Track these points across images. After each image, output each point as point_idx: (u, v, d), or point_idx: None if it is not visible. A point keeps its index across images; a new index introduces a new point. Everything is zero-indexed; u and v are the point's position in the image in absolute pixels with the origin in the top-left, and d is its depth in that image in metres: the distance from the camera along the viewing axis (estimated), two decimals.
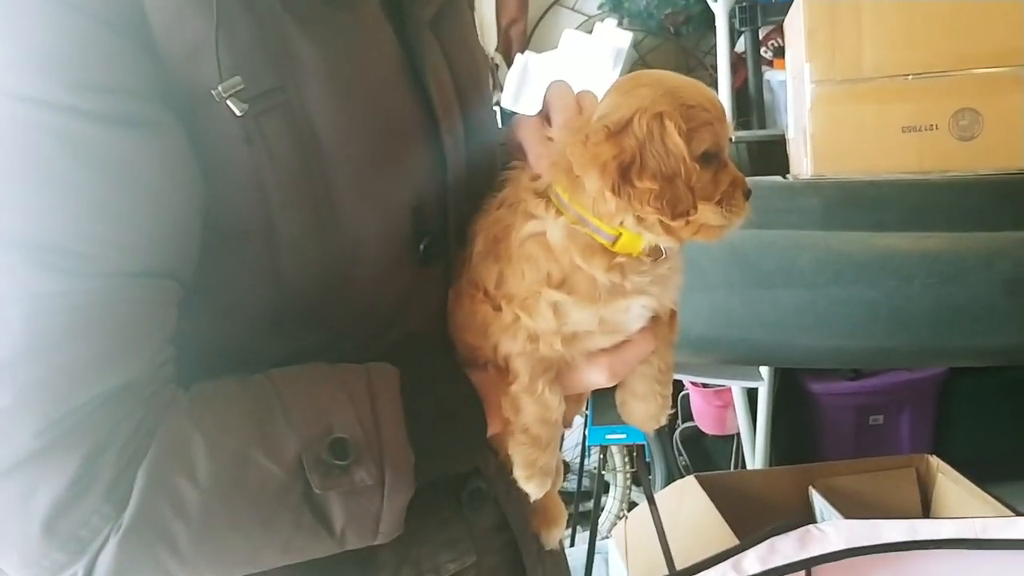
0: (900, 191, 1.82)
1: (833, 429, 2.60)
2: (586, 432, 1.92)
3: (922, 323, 1.71)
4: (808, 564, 1.52)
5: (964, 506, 1.95)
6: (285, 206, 0.66)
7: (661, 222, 0.69)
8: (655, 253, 0.74)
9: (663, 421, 0.84)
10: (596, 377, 0.77)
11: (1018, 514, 1.59)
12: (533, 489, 0.76)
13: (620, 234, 0.71)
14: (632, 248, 0.72)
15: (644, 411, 0.83)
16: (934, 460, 2.12)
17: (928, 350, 1.81)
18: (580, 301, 0.71)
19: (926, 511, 2.08)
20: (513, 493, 0.82)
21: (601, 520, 2.79)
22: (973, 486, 1.98)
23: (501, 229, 0.73)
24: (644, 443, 2.09)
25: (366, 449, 0.65)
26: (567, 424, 0.82)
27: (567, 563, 0.89)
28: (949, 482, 2.06)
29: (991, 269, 1.66)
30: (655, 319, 0.78)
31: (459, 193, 0.77)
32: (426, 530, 0.76)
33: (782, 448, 2.52)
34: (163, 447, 0.62)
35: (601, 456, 2.26)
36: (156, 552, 0.61)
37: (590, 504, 2.17)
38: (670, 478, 2.51)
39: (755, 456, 2.52)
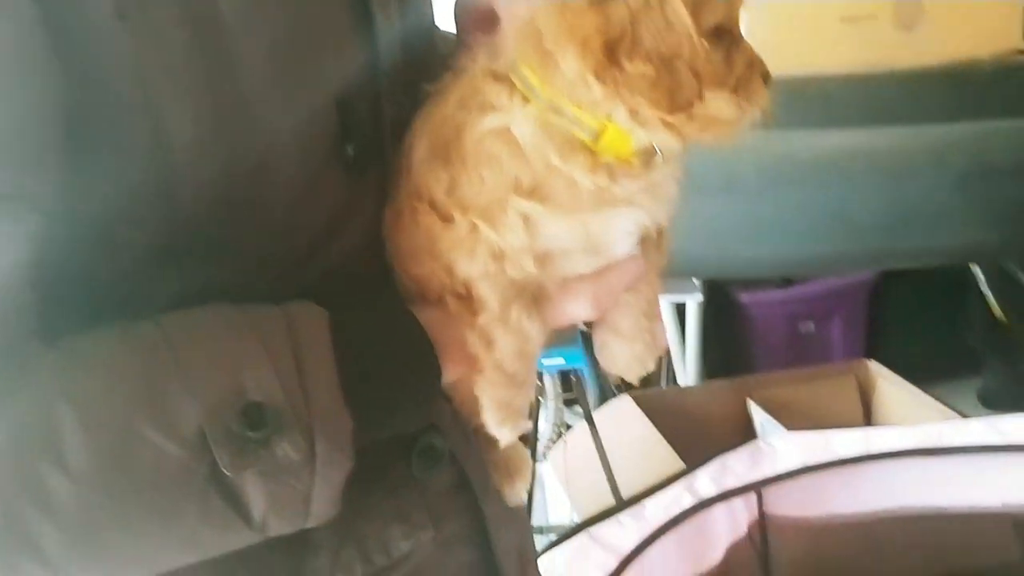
0: (843, 87, 1.73)
1: (764, 339, 2.56)
2: None
3: (871, 226, 1.64)
4: (761, 485, 1.46)
5: (906, 410, 1.92)
6: (176, 100, 0.50)
7: (658, 115, 0.55)
8: (647, 155, 0.60)
9: (651, 366, 0.70)
10: (576, 308, 0.63)
11: (963, 416, 1.55)
12: (506, 434, 0.63)
13: (605, 128, 0.57)
14: (619, 148, 0.58)
15: (629, 353, 0.69)
16: (873, 365, 2.09)
17: (878, 253, 1.76)
18: (557, 210, 0.57)
19: (867, 418, 2.06)
20: (473, 446, 0.69)
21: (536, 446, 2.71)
22: (914, 389, 1.95)
23: (451, 128, 0.59)
24: (583, 367, 2.01)
25: (289, 415, 0.51)
26: None
27: (529, 519, 0.76)
28: (889, 386, 2.03)
29: (943, 165, 1.59)
30: (643, 239, 0.64)
31: (396, 84, 0.62)
32: (371, 502, 0.62)
33: (713, 362, 2.47)
34: (20, 425, 0.47)
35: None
36: (17, 565, 0.46)
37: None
38: (603, 398, 2.43)
39: (687, 371, 2.46)
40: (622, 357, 0.69)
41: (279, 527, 0.53)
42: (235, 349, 0.51)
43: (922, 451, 1.45)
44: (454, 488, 0.67)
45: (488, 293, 0.59)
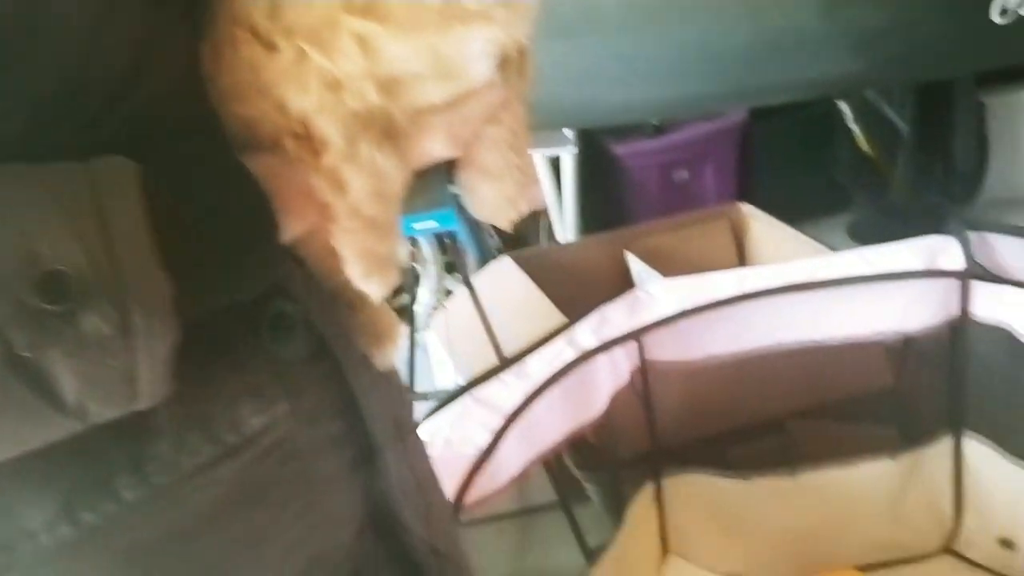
0: None
1: (639, 190, 2.56)
2: None
3: (735, 59, 1.61)
4: (641, 333, 1.46)
5: (779, 249, 1.95)
6: None
7: None
8: None
9: (523, 207, 0.64)
10: (432, 144, 0.56)
11: (834, 250, 1.57)
12: (376, 287, 0.56)
13: None
14: None
15: (498, 194, 0.62)
16: (745, 208, 2.11)
17: (744, 89, 1.73)
18: (398, 30, 0.49)
19: (741, 259, 2.09)
20: (332, 311, 0.62)
21: (418, 314, 2.67)
22: (786, 227, 1.98)
23: None
24: (456, 228, 1.96)
25: (96, 284, 0.43)
26: None
27: (401, 382, 0.71)
28: (762, 227, 2.05)
29: None
30: (503, 61, 0.56)
31: None
32: (216, 379, 0.55)
33: (591, 217, 2.45)
34: None
35: (411, 246, 2.10)
36: None
37: (403, 300, 2.02)
38: (483, 261, 2.39)
39: (565, 228, 2.44)
40: (491, 199, 0.63)
41: (101, 412, 0.46)
42: (26, 210, 0.43)
43: (795, 287, 1.47)
44: (312, 358, 0.61)
45: (329, 128, 0.51)
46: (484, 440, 1.25)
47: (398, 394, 0.70)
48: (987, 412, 1.57)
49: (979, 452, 1.59)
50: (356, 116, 0.51)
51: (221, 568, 0.57)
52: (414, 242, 2.21)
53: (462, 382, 1.34)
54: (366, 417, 0.63)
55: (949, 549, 1.67)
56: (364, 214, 0.54)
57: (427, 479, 0.70)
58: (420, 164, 0.57)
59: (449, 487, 1.19)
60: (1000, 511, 1.59)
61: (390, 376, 0.69)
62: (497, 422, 1.27)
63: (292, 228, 0.54)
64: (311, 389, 0.60)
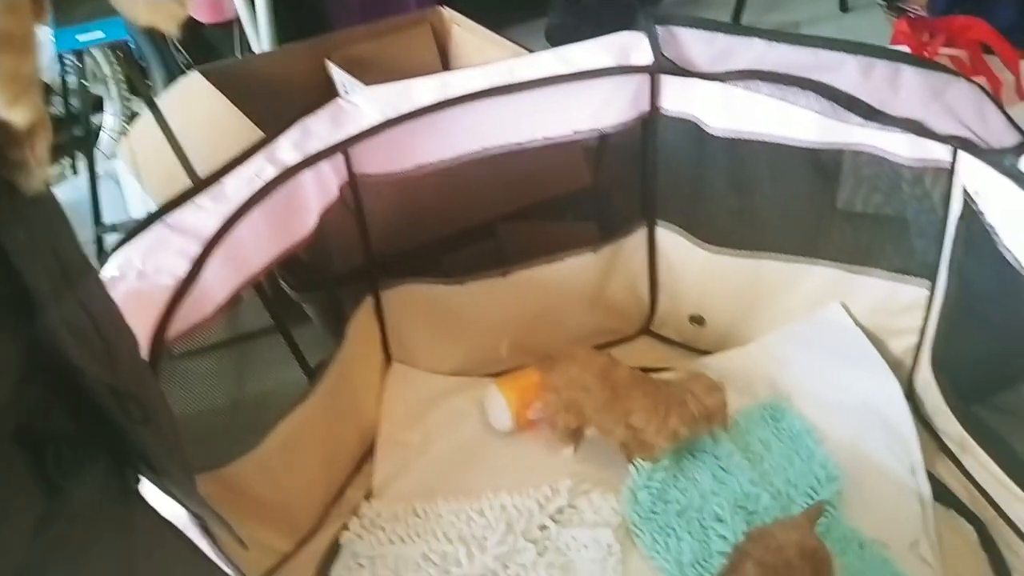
0: None
1: None
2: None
3: None
4: (345, 145, 1.41)
5: (481, 53, 1.94)
6: None
7: None
8: None
9: (182, 10, 0.56)
10: None
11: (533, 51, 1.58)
12: (22, 113, 0.49)
13: None
14: None
15: None
16: (447, 12, 2.07)
17: None
18: None
19: (446, 65, 2.06)
20: None
21: (103, 141, 2.44)
22: (488, 32, 1.97)
23: None
24: (127, 39, 1.77)
25: None
26: None
27: (58, 204, 0.63)
28: (463, 32, 2.03)
29: None
30: None
31: None
32: None
33: (287, 26, 2.31)
34: None
35: (80, 64, 1.88)
36: None
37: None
38: (170, 78, 2.20)
39: (260, 38, 2.28)
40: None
41: None
42: None
43: (496, 90, 1.47)
44: None
45: None
46: (183, 269, 1.18)
47: (57, 224, 0.63)
48: (676, 202, 1.69)
49: (670, 239, 1.72)
50: None
51: None
52: (83, 57, 1.98)
53: (153, 209, 1.25)
54: (22, 269, 0.56)
55: (647, 330, 1.82)
56: None
57: (106, 318, 0.65)
58: None
59: (148, 320, 1.13)
60: (688, 292, 1.75)
61: (45, 203, 0.61)
62: (196, 249, 1.20)
63: None
64: None
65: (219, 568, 0.77)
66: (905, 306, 1.54)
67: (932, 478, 1.44)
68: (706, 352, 1.75)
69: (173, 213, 1.23)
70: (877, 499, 1.43)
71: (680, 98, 1.56)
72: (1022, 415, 1.38)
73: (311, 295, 1.69)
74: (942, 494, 1.44)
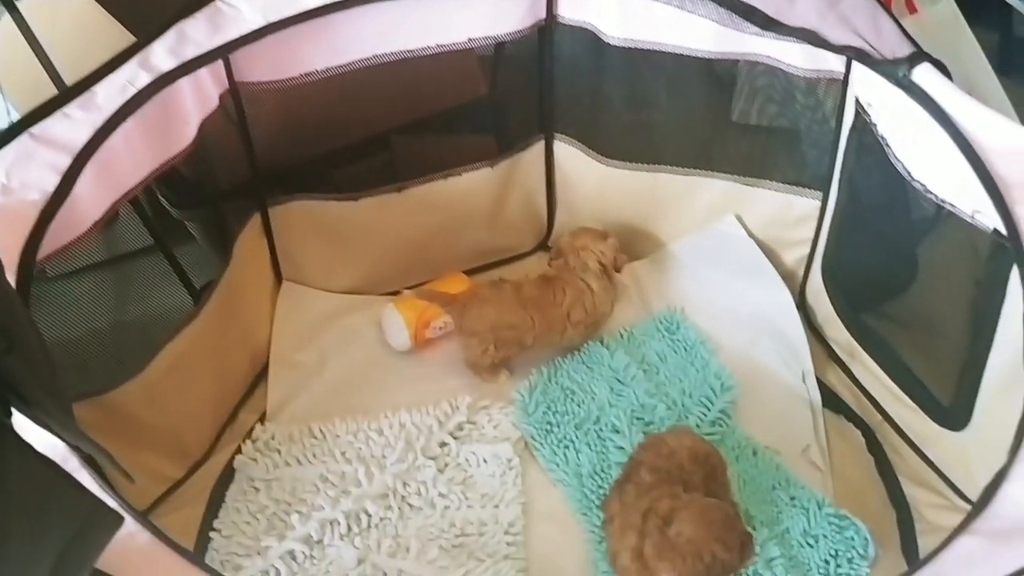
0: None
1: None
2: None
3: None
4: (226, 51, 1.34)
5: None
6: None
7: None
8: None
9: None
10: None
11: None
12: None
13: None
14: None
15: None
16: None
17: None
18: None
19: None
20: None
21: None
22: None
23: None
24: None
25: None
26: None
27: None
28: None
29: None
30: None
31: None
32: None
33: None
34: None
35: None
36: None
37: None
38: None
39: None
40: None
41: None
42: None
43: None
44: None
45: None
46: (52, 183, 1.11)
47: None
48: (573, 114, 1.67)
49: (567, 153, 1.70)
50: None
51: None
52: None
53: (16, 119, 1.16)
54: None
55: (544, 245, 1.82)
56: None
57: None
58: None
59: (15, 239, 1.06)
60: (586, 206, 1.74)
61: None
62: (65, 161, 1.13)
63: None
64: None
65: (101, 502, 0.73)
66: (798, 218, 1.57)
67: (822, 385, 1.49)
68: None
69: (39, 124, 1.15)
70: (769, 407, 1.47)
71: (577, 5, 1.52)
72: (908, 324, 1.43)
73: (194, 212, 1.62)
74: (831, 400, 1.49)
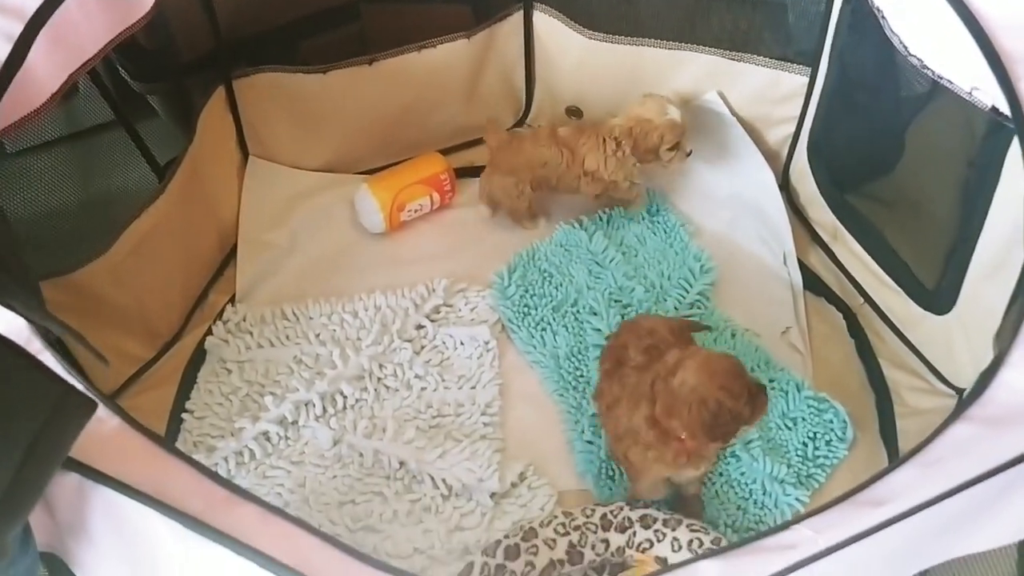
0: None
1: None
2: None
3: None
4: None
5: None
6: None
7: None
8: None
9: None
10: None
11: None
12: None
13: None
14: None
15: None
16: None
17: None
18: None
19: None
20: None
21: None
22: None
23: None
24: None
25: None
26: None
27: None
28: None
29: None
30: None
31: None
32: None
33: None
34: None
35: None
36: None
37: None
38: None
39: None
40: None
41: None
42: None
43: None
44: None
45: None
46: (3, 51, 1.06)
47: None
48: None
49: (547, 24, 1.66)
50: None
51: None
52: None
53: None
54: None
55: (523, 123, 1.79)
56: None
57: None
58: None
59: None
60: (566, 82, 1.71)
61: None
62: (16, 28, 1.08)
63: None
64: None
65: (72, 387, 0.72)
66: (784, 95, 1.55)
67: (803, 267, 1.51)
68: None
69: None
70: (749, 289, 1.49)
71: None
72: (894, 205, 1.44)
73: (156, 86, 1.57)
74: (812, 283, 1.50)
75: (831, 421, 1.31)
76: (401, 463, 1.28)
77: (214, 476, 0.78)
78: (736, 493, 1.25)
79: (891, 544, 0.72)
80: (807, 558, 0.69)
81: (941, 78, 1.14)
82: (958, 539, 0.78)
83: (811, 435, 1.30)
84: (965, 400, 0.83)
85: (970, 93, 1.10)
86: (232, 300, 1.48)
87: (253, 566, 0.72)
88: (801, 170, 1.57)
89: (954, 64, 1.12)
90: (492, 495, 1.25)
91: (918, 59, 1.17)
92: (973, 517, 0.75)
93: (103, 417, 0.82)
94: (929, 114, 1.32)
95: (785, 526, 0.74)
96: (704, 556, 0.72)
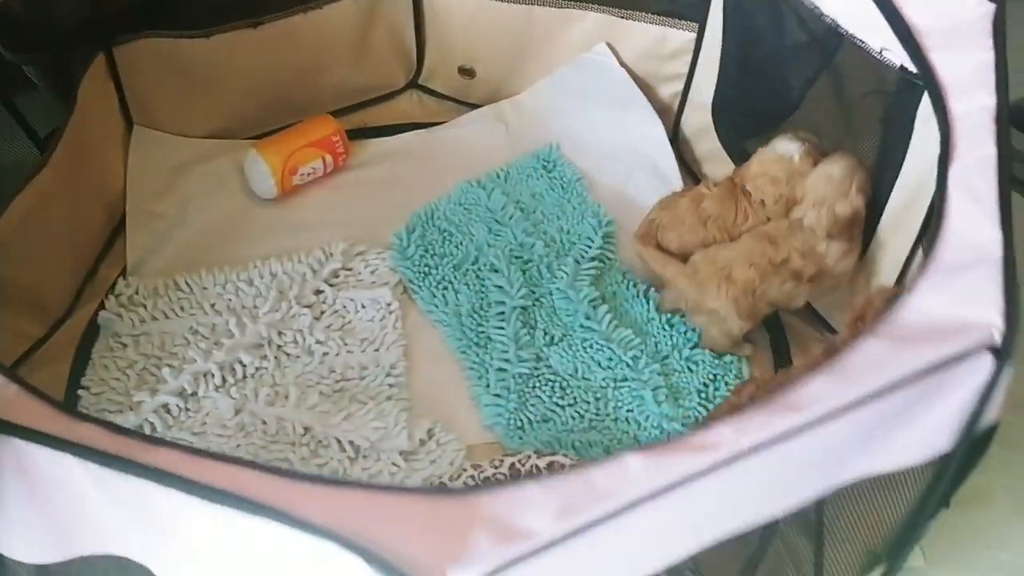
0: None
1: None
2: None
3: None
4: None
5: None
6: None
7: None
8: None
9: None
10: None
11: None
12: None
13: None
14: None
15: None
16: None
17: None
18: None
19: None
20: None
21: None
22: None
23: None
24: None
25: None
26: None
27: None
28: None
29: None
30: None
31: None
32: None
33: None
34: None
35: None
36: None
37: None
38: None
39: None
40: None
41: None
42: None
43: None
44: None
45: None
46: None
47: None
48: None
49: None
50: None
51: None
52: None
53: None
54: None
55: (415, 84, 1.82)
56: None
57: None
58: None
59: None
60: (458, 41, 1.75)
61: None
62: None
63: None
64: None
65: None
66: (673, 52, 1.62)
67: None
68: (476, 105, 1.78)
69: None
70: None
71: None
72: None
73: (32, 56, 1.55)
74: None
75: (730, 363, 1.39)
76: (306, 429, 1.31)
77: (126, 431, 0.76)
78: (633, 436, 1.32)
79: (809, 450, 0.76)
80: (730, 457, 0.72)
81: (854, 38, 1.22)
82: (874, 454, 0.82)
83: (711, 376, 1.37)
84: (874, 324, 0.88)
85: (880, 53, 1.17)
86: (123, 273, 1.48)
87: (181, 495, 0.70)
88: (692, 125, 1.64)
89: (865, 26, 1.19)
90: (400, 453, 1.29)
91: (833, 20, 1.25)
92: (886, 430, 0.80)
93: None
94: (838, 68, 1.36)
95: (706, 424, 0.78)
96: (630, 450, 0.73)
